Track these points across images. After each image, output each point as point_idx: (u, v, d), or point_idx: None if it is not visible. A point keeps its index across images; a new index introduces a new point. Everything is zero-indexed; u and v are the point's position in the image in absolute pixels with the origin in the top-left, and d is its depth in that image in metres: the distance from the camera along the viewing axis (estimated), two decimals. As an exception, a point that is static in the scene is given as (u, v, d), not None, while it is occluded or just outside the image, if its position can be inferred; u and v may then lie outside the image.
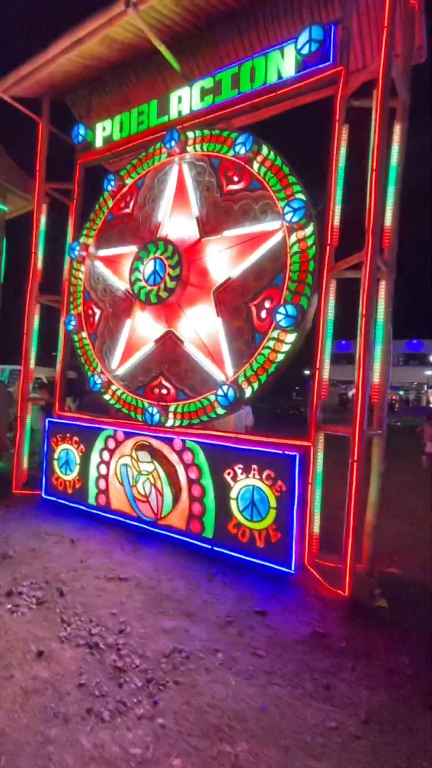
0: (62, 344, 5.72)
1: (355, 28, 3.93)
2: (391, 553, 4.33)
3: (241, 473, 3.89)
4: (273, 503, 3.70)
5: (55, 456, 5.32)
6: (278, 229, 3.99)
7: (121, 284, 5.11)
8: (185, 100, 4.61)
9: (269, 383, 4.00)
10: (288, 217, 3.78)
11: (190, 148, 4.58)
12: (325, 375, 3.78)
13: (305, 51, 3.73)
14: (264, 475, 3.76)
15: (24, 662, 2.54)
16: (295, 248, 3.87)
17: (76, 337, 5.44)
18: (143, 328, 4.87)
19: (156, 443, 4.48)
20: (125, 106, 5.73)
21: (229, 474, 3.97)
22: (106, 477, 4.85)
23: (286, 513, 3.63)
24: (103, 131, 5.30)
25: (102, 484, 4.87)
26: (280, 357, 3.91)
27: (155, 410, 4.55)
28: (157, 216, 4.83)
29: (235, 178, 4.26)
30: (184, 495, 4.25)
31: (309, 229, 3.79)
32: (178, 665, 2.57)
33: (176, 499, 4.30)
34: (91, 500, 4.94)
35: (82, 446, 5.08)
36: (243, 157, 4.16)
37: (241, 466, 3.90)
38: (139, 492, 4.57)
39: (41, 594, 3.34)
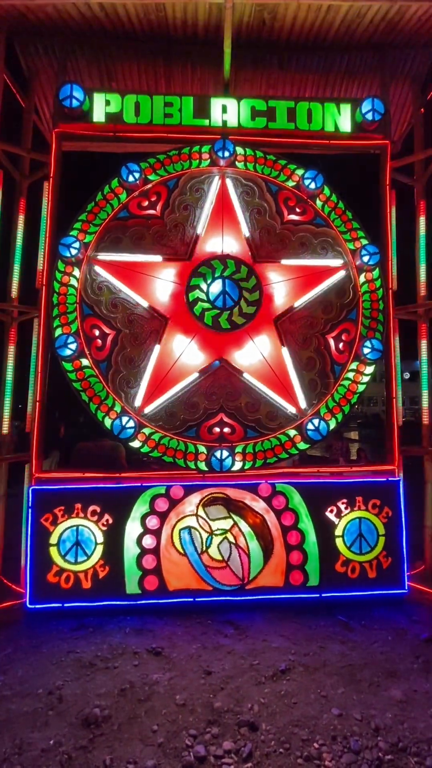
0: (39, 374, 3.97)
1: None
2: None
3: (345, 508, 3.82)
4: (381, 530, 3.81)
5: (53, 540, 3.61)
6: (341, 267, 4.22)
7: (141, 300, 4.08)
8: (231, 111, 4.24)
9: (348, 414, 4.11)
10: (365, 259, 4.08)
11: (240, 165, 4.23)
12: (400, 403, 4.22)
13: (369, 117, 4.19)
14: (370, 505, 3.83)
15: None
16: (365, 288, 4.20)
17: (70, 366, 3.92)
18: (185, 355, 4.04)
19: (233, 493, 3.78)
20: (103, 83, 4.72)
21: (332, 511, 3.80)
22: (155, 551, 3.67)
23: (396, 537, 3.81)
24: (107, 106, 4.16)
25: (149, 562, 3.66)
26: (361, 387, 4.11)
27: (224, 453, 3.84)
28: (196, 228, 4.17)
29: (298, 210, 4.24)
30: (278, 546, 3.75)
31: (376, 273, 4.21)
32: None
33: (268, 553, 3.74)
34: (132, 588, 3.62)
35: (107, 516, 3.67)
36: (306, 191, 4.20)
37: (344, 500, 3.82)
38: (212, 558, 3.70)
39: (231, 744, 2.33)
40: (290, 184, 4.25)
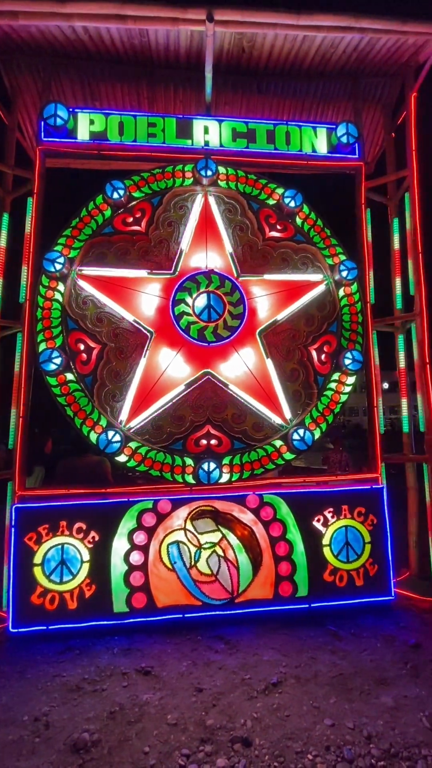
0: (23, 389, 3.92)
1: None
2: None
3: (332, 516, 3.87)
4: (367, 538, 3.87)
5: (37, 560, 3.52)
6: (320, 281, 4.37)
7: (127, 314, 4.10)
8: (213, 132, 4.38)
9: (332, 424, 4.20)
10: (344, 274, 4.24)
11: (222, 183, 4.35)
12: (380, 413, 4.34)
13: (344, 140, 4.40)
14: (355, 513, 3.89)
15: None
16: (345, 301, 4.35)
17: (54, 381, 3.88)
18: (171, 368, 4.07)
19: (221, 505, 3.79)
20: (86, 103, 4.83)
21: (319, 521, 3.85)
22: (143, 567, 3.62)
23: (381, 544, 3.87)
24: (91, 125, 4.23)
25: (137, 579, 3.60)
26: (344, 398, 4.22)
27: (211, 465, 3.85)
28: (180, 243, 4.25)
29: (278, 227, 4.38)
30: (266, 557, 3.76)
31: (354, 287, 4.36)
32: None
33: (257, 565, 3.74)
34: (120, 607, 3.54)
35: (94, 533, 3.61)
36: (286, 209, 4.35)
37: (331, 509, 3.87)
38: (201, 572, 3.67)
39: (225, 761, 2.30)
40: (271, 202, 4.39)
